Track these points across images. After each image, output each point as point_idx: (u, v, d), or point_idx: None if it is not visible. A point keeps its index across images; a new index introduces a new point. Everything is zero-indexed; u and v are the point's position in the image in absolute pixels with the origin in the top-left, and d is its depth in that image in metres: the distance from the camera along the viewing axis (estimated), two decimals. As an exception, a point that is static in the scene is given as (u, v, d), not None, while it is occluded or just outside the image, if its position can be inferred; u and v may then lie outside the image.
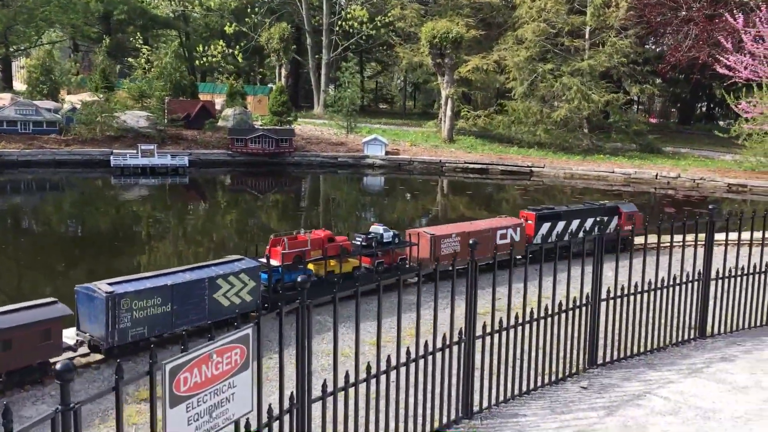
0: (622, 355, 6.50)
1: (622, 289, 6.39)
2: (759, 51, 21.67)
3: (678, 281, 6.80)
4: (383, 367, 4.60)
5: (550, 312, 5.83)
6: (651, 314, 6.67)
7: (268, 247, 9.48)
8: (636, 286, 6.48)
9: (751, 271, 7.23)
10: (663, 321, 6.78)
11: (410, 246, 10.41)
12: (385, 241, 10.18)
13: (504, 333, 5.53)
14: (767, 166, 25.18)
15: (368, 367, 4.50)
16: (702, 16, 31.87)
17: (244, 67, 53.11)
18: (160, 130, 28.63)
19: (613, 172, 24.38)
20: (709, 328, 7.17)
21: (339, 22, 39.90)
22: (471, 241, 5.17)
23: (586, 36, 33.31)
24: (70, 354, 7.25)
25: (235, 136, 27.45)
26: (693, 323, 7.10)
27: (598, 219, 12.26)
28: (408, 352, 4.81)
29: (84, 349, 7.52)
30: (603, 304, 6.32)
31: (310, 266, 9.46)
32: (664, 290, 6.69)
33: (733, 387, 5.79)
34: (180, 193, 23.91)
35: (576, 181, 24.35)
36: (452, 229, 10.74)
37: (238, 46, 39.71)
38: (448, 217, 18.75)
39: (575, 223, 12.01)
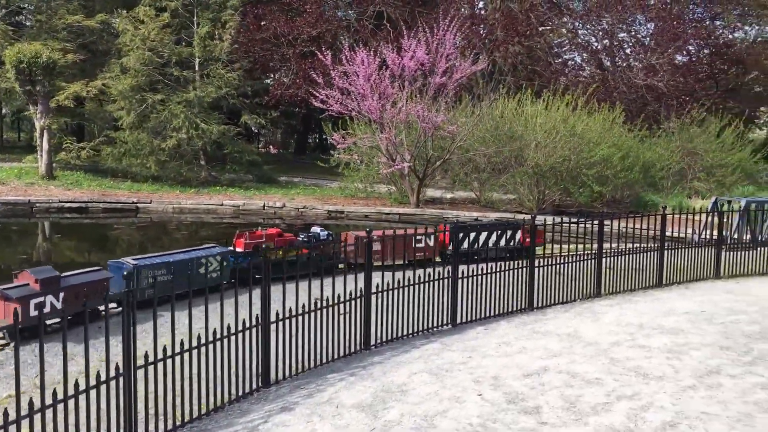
0: (169, 428, 5.63)
1: (164, 350, 5.54)
2: (345, 86, 23.50)
3: (235, 330, 6.22)
4: None
5: (60, 397, 4.67)
6: (209, 371, 5.97)
7: (234, 239, 11.88)
8: (182, 344, 5.69)
9: (308, 309, 7.02)
10: (224, 375, 6.12)
11: (341, 243, 11.39)
12: (321, 238, 12.07)
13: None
14: (364, 192, 27.57)
15: None
16: (298, 54, 33.88)
17: None
18: None
19: (222, 205, 24.08)
20: (273, 375, 6.75)
21: None
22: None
23: (196, 67, 32.91)
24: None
25: None
26: (257, 371, 6.61)
27: (504, 233, 13.14)
28: None
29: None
30: (144, 371, 5.39)
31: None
32: (218, 343, 6.04)
33: (285, 443, 5.31)
34: None
35: (186, 215, 23.46)
36: (376, 233, 11.22)
37: None
38: (45, 262, 16.25)
39: (484, 235, 12.82)
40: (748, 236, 14.95)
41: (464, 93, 29.07)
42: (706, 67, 41.05)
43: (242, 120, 35.02)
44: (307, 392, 6.46)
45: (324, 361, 7.23)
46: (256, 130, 55.85)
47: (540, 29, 34.88)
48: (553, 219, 12.15)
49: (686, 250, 12.09)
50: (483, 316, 9.17)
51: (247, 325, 6.32)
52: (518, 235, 13.32)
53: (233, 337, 6.24)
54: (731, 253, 13.06)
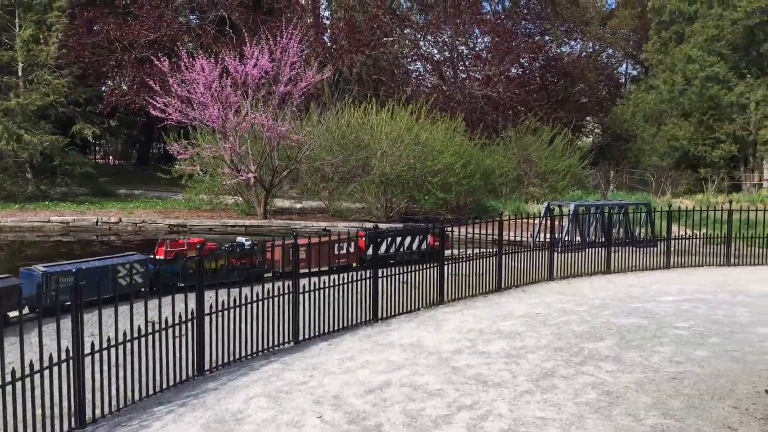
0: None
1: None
2: (184, 94, 22.45)
3: (41, 367, 5.50)
4: None
5: None
6: (8, 416, 5.22)
7: (156, 248, 12.01)
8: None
9: (130, 337, 6.39)
10: (27, 419, 5.38)
11: (267, 251, 11.08)
12: (246, 248, 11.66)
13: None
14: (209, 204, 26.55)
15: None
16: (134, 60, 32.13)
17: None
18: None
19: (49, 222, 22.14)
20: (89, 413, 6.05)
21: None
22: None
23: (19, 73, 30.23)
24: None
25: None
26: (71, 411, 5.90)
27: (417, 238, 13.71)
28: None
29: (26, 309, 9.61)
30: None
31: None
32: (18, 383, 5.30)
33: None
34: None
35: (6, 234, 21.33)
36: (301, 241, 10.66)
37: None
38: None
39: (398, 240, 13.37)
40: (578, 238, 15.85)
41: (312, 102, 28.89)
42: (537, 79, 43.70)
43: (75, 129, 32.65)
44: (129, 430, 5.86)
45: (152, 392, 6.62)
46: (92, 140, 52.48)
47: (383, 40, 35.47)
48: (396, 227, 12.16)
49: (522, 253, 12.55)
50: (327, 330, 8.89)
51: (55, 360, 5.61)
52: (428, 239, 13.96)
53: (42, 374, 5.52)
54: (563, 255, 13.75)
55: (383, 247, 13.58)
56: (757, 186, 37.96)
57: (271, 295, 8.15)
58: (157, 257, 11.88)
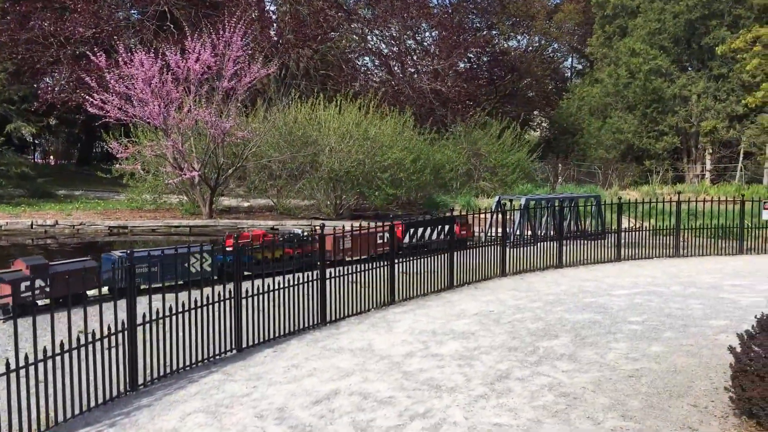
0: None
1: None
2: (123, 90, 21.54)
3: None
4: None
5: None
6: None
7: (224, 240, 12.19)
8: None
9: (52, 353, 5.84)
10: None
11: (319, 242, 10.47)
12: (302, 238, 11.79)
13: None
14: (153, 204, 25.66)
15: None
16: (70, 56, 30.86)
17: None
18: None
19: (-21, 226, 21.02)
20: (6, 439, 5.50)
21: None
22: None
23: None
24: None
25: None
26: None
27: (444, 227, 13.63)
28: None
29: (105, 289, 10.34)
30: None
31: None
32: None
33: None
34: None
35: (-67, 240, 20.15)
36: (345, 231, 11.94)
37: None
38: None
39: (429, 229, 13.50)
40: (529, 232, 15.72)
41: (258, 98, 28.22)
42: (485, 73, 43.82)
43: (10, 128, 31.23)
44: (52, 456, 5.33)
45: (77, 411, 6.07)
46: (31, 140, 50.49)
47: (330, 34, 34.94)
48: (351, 225, 11.77)
49: (474, 249, 12.30)
50: (272, 336, 8.44)
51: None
52: (454, 228, 14.08)
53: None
54: (515, 249, 13.57)
55: (416, 236, 13.86)
56: (700, 177, 38.81)
57: (211, 301, 7.66)
58: (227, 249, 11.80)
